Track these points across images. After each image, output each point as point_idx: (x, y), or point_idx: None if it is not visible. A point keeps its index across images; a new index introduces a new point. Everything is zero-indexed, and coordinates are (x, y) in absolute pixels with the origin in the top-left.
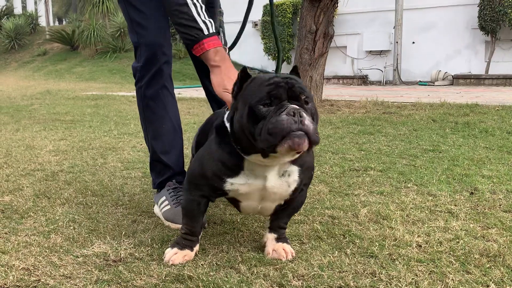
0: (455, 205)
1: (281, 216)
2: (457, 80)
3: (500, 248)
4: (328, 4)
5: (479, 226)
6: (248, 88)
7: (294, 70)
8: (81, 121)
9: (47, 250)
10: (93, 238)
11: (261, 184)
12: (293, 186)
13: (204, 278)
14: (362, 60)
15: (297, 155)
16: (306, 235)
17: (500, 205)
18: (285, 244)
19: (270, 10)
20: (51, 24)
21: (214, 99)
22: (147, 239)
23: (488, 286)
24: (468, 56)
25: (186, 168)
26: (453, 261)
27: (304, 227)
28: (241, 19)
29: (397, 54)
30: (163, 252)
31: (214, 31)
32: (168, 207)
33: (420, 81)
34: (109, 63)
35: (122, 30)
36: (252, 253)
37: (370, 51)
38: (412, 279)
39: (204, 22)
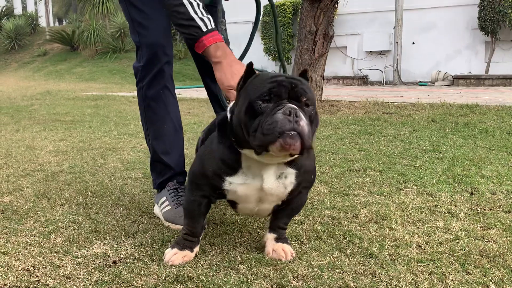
0: (455, 206)
1: (281, 216)
2: (457, 80)
3: (500, 248)
4: (328, 4)
5: (479, 226)
6: (251, 83)
7: (304, 73)
8: (81, 121)
9: (47, 251)
10: (93, 238)
11: (259, 185)
12: (289, 188)
13: (204, 279)
14: (362, 61)
15: (291, 158)
16: (306, 236)
17: (500, 205)
18: (285, 244)
19: (274, 22)
20: (51, 24)
21: (215, 100)
22: (147, 239)
23: (488, 286)
24: (468, 56)
25: (187, 169)
26: (453, 262)
27: (304, 228)
28: (241, 19)
29: (397, 55)
30: (163, 253)
31: (213, 26)
32: (169, 207)
33: (420, 82)
34: (109, 63)
35: (122, 31)
36: (252, 254)
37: (370, 51)
38: (412, 279)
39: (202, 19)
